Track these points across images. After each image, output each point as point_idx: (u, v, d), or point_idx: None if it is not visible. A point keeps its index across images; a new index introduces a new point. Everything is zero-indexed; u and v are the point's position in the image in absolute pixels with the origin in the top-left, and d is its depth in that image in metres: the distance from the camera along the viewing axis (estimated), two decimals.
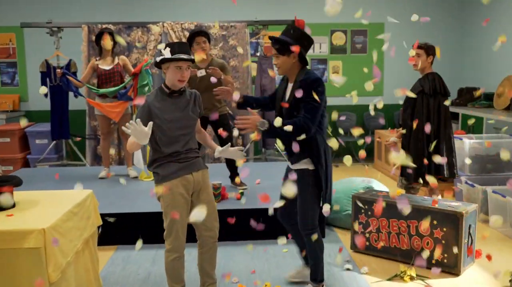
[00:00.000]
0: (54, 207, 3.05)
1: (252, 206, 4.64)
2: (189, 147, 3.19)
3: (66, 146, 7.47)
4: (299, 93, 3.07)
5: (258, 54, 7.48)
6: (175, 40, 7.04)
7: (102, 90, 5.68)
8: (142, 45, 7.02)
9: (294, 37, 3.15)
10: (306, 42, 3.19)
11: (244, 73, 7.29)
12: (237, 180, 5.34)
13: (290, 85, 3.27)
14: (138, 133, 2.86)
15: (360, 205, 4.28)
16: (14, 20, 7.47)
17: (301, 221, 3.32)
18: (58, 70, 5.67)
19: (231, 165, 5.37)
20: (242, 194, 5.04)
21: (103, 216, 3.94)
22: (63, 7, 8.02)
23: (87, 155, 7.24)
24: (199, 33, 5.06)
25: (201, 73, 5.06)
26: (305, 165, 3.21)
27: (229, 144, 3.41)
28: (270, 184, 5.47)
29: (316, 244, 3.35)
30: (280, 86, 3.40)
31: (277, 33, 3.60)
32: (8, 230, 2.64)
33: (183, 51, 3.10)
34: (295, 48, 3.07)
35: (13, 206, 3.08)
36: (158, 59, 3.11)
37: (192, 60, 3.15)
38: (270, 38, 3.22)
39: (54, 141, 7.17)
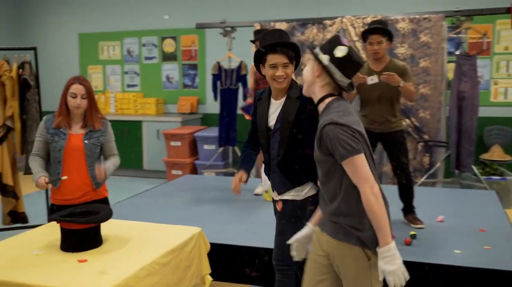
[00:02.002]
0: (140, 253, 2.42)
1: (425, 257, 3.45)
2: None
3: (232, 153, 7.07)
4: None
5: (457, 52, 6.02)
6: (355, 38, 6.05)
7: None
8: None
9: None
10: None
11: (438, 76, 5.93)
12: (411, 216, 4.17)
13: (276, 103, 2.64)
14: None
15: None
16: (194, 22, 7.33)
17: (279, 255, 2.67)
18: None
19: (405, 192, 4.20)
20: (413, 236, 3.84)
21: (230, 249, 3.24)
22: (238, 6, 7.66)
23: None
24: (372, 31, 4.05)
25: (372, 80, 4.01)
26: (294, 194, 2.63)
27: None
28: (460, 223, 4.14)
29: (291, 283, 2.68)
30: (260, 105, 2.73)
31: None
32: None
33: None
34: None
35: (100, 243, 2.54)
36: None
37: None
38: (278, 44, 2.53)
39: (222, 148, 6.82)
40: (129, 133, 7.85)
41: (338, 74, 2.07)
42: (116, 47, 8.58)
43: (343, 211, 2.03)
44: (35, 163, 3.00)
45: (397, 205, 4.27)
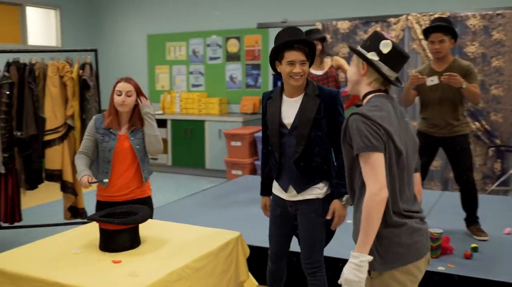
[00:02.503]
0: (174, 256, 2.40)
1: (486, 273, 3.20)
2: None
3: None
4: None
5: None
6: (421, 37, 5.75)
7: None
8: None
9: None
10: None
11: None
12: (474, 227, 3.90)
13: (290, 100, 2.63)
14: None
15: None
16: (258, 22, 7.30)
17: (309, 257, 2.67)
18: None
19: (468, 201, 3.93)
20: (475, 249, 3.58)
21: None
22: (300, 5, 7.53)
23: None
24: (433, 29, 3.83)
25: (432, 81, 3.78)
26: (313, 193, 2.62)
27: None
28: None
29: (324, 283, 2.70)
30: (271, 104, 2.69)
31: None
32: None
33: None
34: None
35: (138, 244, 2.55)
36: None
37: None
38: (296, 41, 2.52)
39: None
40: (192, 132, 7.97)
41: (385, 68, 1.98)
42: (182, 48, 8.74)
43: (358, 215, 1.90)
44: (81, 161, 3.06)
45: (459, 215, 4.01)
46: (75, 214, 4.59)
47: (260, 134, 7.08)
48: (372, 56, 1.98)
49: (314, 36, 4.77)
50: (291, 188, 2.65)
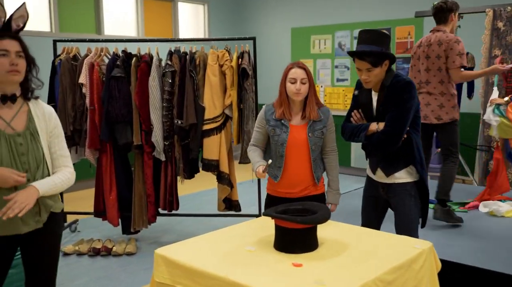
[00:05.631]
0: (361, 264, 2.09)
1: None
2: None
3: None
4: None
5: None
6: None
7: None
8: None
9: (381, 42, 2.67)
10: (389, 40, 2.76)
11: None
12: None
13: (374, 92, 2.83)
14: None
15: None
16: (412, 11, 6.72)
17: (407, 234, 2.67)
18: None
19: None
20: None
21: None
22: None
23: (476, 169, 5.91)
24: None
25: None
26: (405, 176, 2.82)
27: None
28: None
29: None
30: (361, 95, 2.92)
31: None
32: None
33: None
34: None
35: (315, 247, 2.28)
36: None
37: None
38: (356, 53, 2.73)
39: (438, 150, 6.13)
40: (336, 128, 7.61)
41: None
42: (327, 41, 8.43)
43: None
44: (254, 153, 2.92)
45: None
46: (229, 206, 4.50)
47: None
48: None
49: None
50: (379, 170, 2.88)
